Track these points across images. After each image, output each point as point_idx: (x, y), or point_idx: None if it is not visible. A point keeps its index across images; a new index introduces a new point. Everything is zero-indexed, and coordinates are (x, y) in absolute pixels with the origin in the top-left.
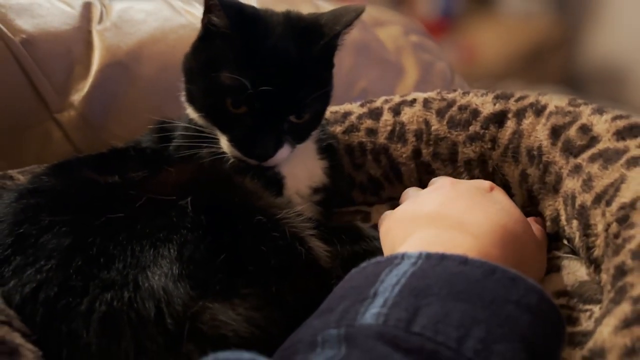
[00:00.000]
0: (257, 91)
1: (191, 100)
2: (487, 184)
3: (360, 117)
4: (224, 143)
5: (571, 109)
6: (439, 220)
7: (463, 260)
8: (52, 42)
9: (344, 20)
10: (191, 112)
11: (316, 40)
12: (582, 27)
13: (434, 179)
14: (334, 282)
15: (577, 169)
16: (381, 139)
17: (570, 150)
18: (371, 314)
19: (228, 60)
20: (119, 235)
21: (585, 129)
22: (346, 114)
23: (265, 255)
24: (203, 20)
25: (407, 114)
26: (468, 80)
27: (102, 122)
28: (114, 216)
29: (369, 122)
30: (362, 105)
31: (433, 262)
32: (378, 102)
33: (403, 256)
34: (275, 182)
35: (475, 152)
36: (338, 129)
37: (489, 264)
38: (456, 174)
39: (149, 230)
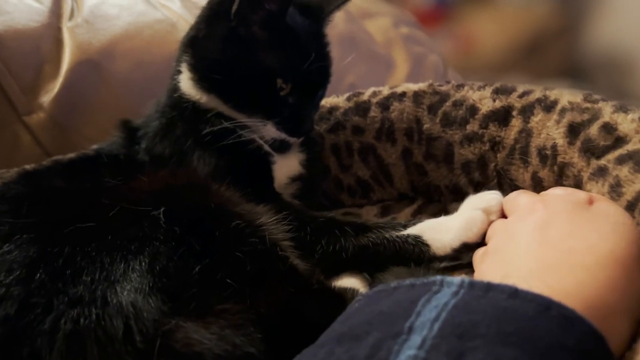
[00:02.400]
0: (309, 67)
1: (221, 91)
2: (583, 194)
3: (346, 113)
4: (268, 128)
5: (588, 105)
6: (540, 253)
7: (512, 292)
8: (19, 40)
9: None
10: (213, 103)
11: (320, 17)
12: (585, 15)
13: (512, 196)
14: (315, 288)
15: (601, 171)
16: (369, 137)
17: (592, 151)
18: (407, 356)
19: (276, 41)
20: (89, 246)
21: (609, 128)
22: (332, 109)
23: (243, 263)
24: (238, 7)
25: (396, 110)
26: (464, 74)
27: (73, 125)
28: (84, 225)
29: (355, 119)
30: (348, 99)
31: (477, 293)
32: (365, 95)
33: (442, 282)
34: (268, 169)
35: (475, 153)
36: (323, 126)
37: (542, 297)
38: (453, 177)
39: (120, 241)
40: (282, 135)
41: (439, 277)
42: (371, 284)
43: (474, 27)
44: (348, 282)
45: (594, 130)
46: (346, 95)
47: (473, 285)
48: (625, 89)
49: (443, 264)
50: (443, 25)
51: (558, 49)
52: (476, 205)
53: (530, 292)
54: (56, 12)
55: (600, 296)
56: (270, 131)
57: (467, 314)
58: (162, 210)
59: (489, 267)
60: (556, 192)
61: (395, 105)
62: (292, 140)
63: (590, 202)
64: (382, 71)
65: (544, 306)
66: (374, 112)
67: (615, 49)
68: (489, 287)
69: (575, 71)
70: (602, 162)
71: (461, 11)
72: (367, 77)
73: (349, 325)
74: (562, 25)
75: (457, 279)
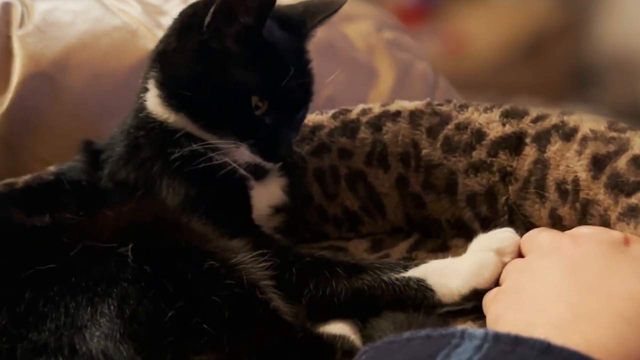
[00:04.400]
0: (289, 84)
1: (190, 109)
2: (617, 234)
3: (331, 133)
4: (241, 151)
5: (614, 134)
6: (574, 299)
7: (545, 348)
8: None
9: (324, 12)
10: (182, 123)
11: (302, 32)
12: (590, 11)
13: (533, 234)
14: (301, 336)
15: (632, 212)
16: (358, 162)
17: (621, 188)
18: None
19: (252, 56)
20: (51, 289)
21: (639, 162)
22: (315, 129)
23: (220, 308)
24: (211, 20)
25: (389, 132)
26: (455, 79)
27: (24, 144)
28: (45, 267)
29: (342, 141)
30: (334, 117)
31: (504, 348)
32: (354, 114)
33: (463, 334)
34: (245, 196)
35: (482, 184)
36: (306, 148)
37: (579, 356)
38: (455, 210)
39: (85, 283)
40: (257, 159)
41: (459, 329)
42: (362, 330)
43: (465, 25)
44: (336, 327)
45: (622, 163)
46: (331, 112)
47: (498, 338)
48: (638, 92)
49: (445, 309)
50: (429, 23)
51: (560, 49)
52: (488, 246)
53: (565, 348)
54: (5, 19)
55: None
56: (244, 154)
57: None
58: (130, 246)
59: (507, 310)
60: (584, 230)
61: (389, 126)
62: (267, 165)
63: (626, 242)
64: (364, 81)
65: None
66: (364, 133)
67: (626, 49)
68: (517, 342)
69: (580, 74)
70: (633, 200)
71: (449, 7)
72: (348, 88)
73: None
74: (564, 22)
75: (479, 331)
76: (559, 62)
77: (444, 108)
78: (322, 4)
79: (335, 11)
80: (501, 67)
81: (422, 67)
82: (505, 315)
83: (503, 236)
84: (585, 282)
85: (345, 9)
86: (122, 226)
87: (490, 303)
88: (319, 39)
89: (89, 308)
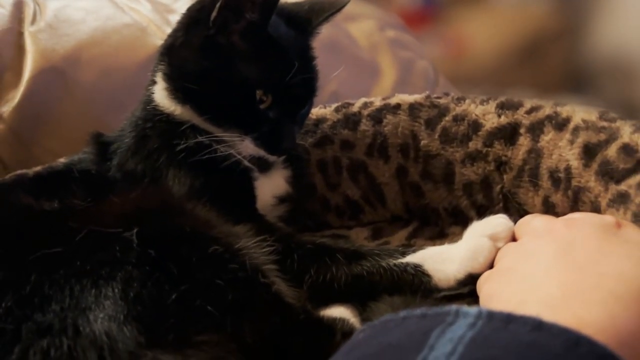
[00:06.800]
0: (292, 80)
1: (196, 102)
2: (609, 218)
3: (334, 125)
4: (246, 144)
5: (605, 124)
6: (566, 277)
7: (536, 325)
8: None
9: (329, 10)
10: (188, 115)
11: (307, 29)
12: (587, 16)
13: (526, 220)
14: (302, 318)
15: (622, 197)
16: (359, 153)
17: (611, 175)
18: None
19: (257, 51)
20: (57, 272)
21: (629, 150)
22: (319, 122)
23: (223, 291)
24: (217, 15)
25: (389, 124)
26: (455, 81)
27: (35, 137)
28: (51, 251)
29: (344, 133)
30: (337, 111)
31: (497, 325)
32: (356, 107)
33: (457, 312)
34: (249, 187)
35: (478, 174)
36: (309, 140)
37: (569, 332)
38: (452, 199)
39: (90, 266)
40: (261, 152)
41: (453, 307)
42: (362, 313)
43: (466, 29)
44: (337, 311)
45: (612, 151)
46: (334, 106)
47: (492, 316)
48: (632, 96)
49: (442, 293)
50: (431, 27)
51: (558, 53)
52: (482, 232)
53: (556, 324)
54: (17, 15)
55: (633, 331)
56: (248, 147)
57: (486, 349)
58: (135, 231)
59: (500, 289)
60: (577, 215)
61: (389, 118)
62: (271, 158)
63: (618, 226)
64: (367, 78)
65: (572, 341)
66: (365, 126)
67: (621, 53)
68: (509, 319)
69: (577, 77)
70: (623, 187)
71: (451, 12)
72: (351, 84)
73: (353, 358)
74: (562, 26)
75: (473, 309)
76: (556, 65)
77: (442, 101)
78: (327, 2)
79: (339, 9)
80: (500, 70)
81: (423, 65)
82: (498, 293)
83: (497, 222)
84: (577, 262)
85: (349, 8)
86: (128, 212)
87: (484, 282)
88: (323, 36)
89: (94, 290)
